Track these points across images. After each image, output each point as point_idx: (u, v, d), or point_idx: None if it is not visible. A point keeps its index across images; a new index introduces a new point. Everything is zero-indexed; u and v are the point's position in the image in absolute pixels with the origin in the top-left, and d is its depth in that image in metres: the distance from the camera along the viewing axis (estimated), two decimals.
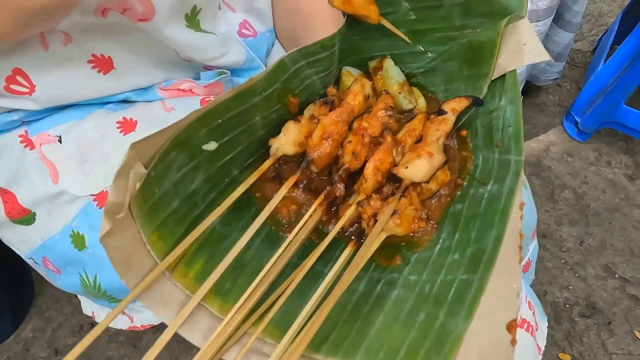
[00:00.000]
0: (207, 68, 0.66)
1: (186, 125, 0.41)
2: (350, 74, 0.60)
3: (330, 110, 0.54)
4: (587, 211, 1.45)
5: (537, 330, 0.63)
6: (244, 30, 0.71)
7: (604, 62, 1.43)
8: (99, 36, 0.55)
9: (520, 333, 0.60)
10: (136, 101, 0.63)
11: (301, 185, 0.54)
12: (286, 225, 0.52)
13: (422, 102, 0.59)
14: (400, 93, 0.58)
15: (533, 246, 0.85)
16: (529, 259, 0.84)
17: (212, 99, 0.55)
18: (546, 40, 1.36)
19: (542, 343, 0.65)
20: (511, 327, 0.40)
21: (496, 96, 0.55)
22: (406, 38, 0.58)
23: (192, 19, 0.60)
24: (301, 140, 0.52)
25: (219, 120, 0.45)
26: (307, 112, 0.54)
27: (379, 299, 0.46)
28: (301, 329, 0.42)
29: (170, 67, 0.63)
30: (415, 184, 0.51)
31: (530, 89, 1.64)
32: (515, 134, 0.51)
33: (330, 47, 0.54)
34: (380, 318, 0.44)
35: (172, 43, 0.57)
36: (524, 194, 0.73)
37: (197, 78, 0.65)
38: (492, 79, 0.55)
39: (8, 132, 0.59)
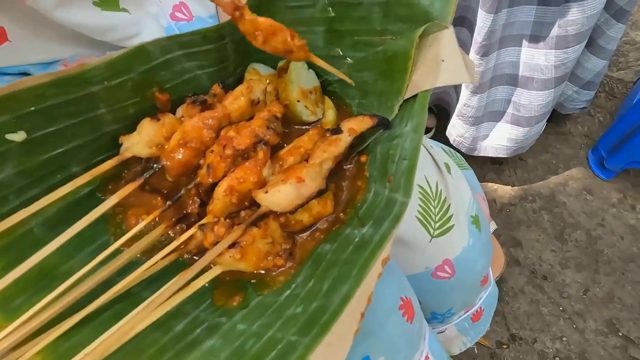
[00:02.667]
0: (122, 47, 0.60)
1: None
2: (256, 72, 0.52)
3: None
4: (598, 257, 1.30)
5: None
6: (177, 13, 0.65)
7: None
8: None
9: None
10: None
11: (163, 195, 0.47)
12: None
13: (330, 115, 0.50)
14: (299, 101, 0.49)
15: (488, 293, 0.75)
16: (480, 307, 0.74)
17: None
18: (575, 65, 1.20)
19: None
20: None
21: (404, 120, 0.45)
22: (347, 79, 0.49)
23: None
24: (160, 141, 0.44)
25: (32, 108, 0.39)
26: (179, 112, 0.47)
27: (189, 346, 0.38)
28: None
29: (81, 43, 0.58)
30: (278, 213, 0.43)
31: (556, 116, 1.48)
32: (408, 170, 0.41)
33: (215, 39, 0.46)
34: None
35: (67, 24, 0.52)
36: (471, 235, 0.63)
37: None
38: (405, 97, 0.46)
39: None
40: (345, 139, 0.45)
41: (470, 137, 1.25)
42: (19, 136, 0.39)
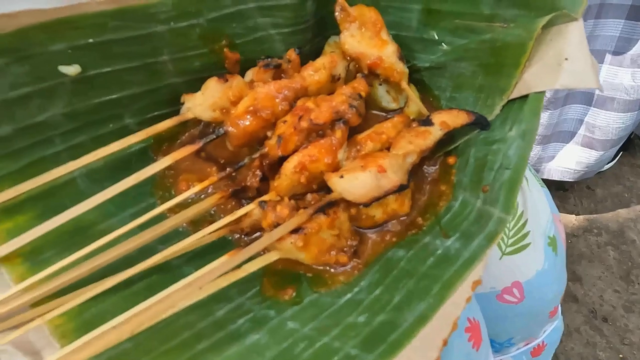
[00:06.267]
0: None
1: (18, 28, 0.31)
2: (338, 45, 0.46)
3: (276, 79, 0.41)
4: None
5: None
6: None
7: None
8: None
9: None
10: None
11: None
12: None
13: (414, 106, 0.44)
14: (381, 84, 0.43)
15: (554, 327, 0.66)
16: (543, 341, 0.66)
17: None
18: None
19: None
20: None
21: (507, 123, 0.39)
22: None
23: None
24: (225, 105, 0.40)
25: (90, 40, 0.34)
26: (249, 75, 0.42)
27: (229, 337, 0.33)
28: None
29: None
30: (350, 203, 0.37)
31: (634, 144, 1.38)
32: (511, 181, 0.35)
33: None
34: None
35: None
36: (547, 259, 0.56)
37: None
38: (510, 97, 0.39)
39: None
40: (435, 133, 0.39)
41: (534, 157, 1.17)
42: (73, 69, 0.35)
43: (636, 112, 1.03)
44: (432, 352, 0.28)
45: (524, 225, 0.52)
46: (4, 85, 0.32)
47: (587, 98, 1.07)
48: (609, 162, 1.33)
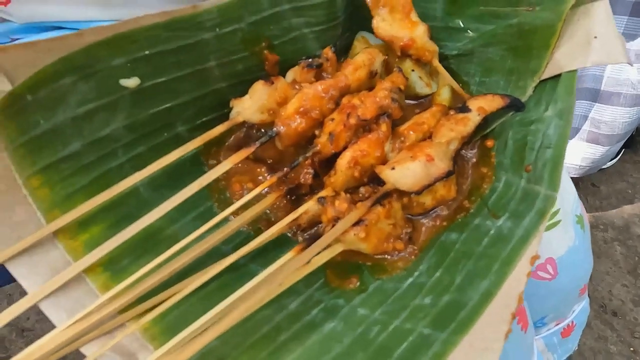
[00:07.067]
0: None
1: (84, 47, 0.32)
2: (366, 41, 0.48)
3: (317, 77, 0.43)
4: None
5: None
6: None
7: None
8: None
9: None
10: None
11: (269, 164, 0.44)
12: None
13: (446, 92, 0.46)
14: (413, 70, 0.45)
15: (581, 307, 0.68)
16: (572, 321, 0.68)
17: None
18: None
19: None
20: None
21: (542, 103, 0.41)
22: None
23: None
24: (272, 107, 0.41)
25: (146, 52, 0.36)
26: (290, 75, 0.44)
27: (307, 327, 0.35)
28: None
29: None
30: (401, 193, 0.39)
31: (636, 141, 1.40)
32: (554, 159, 0.38)
33: None
34: (295, 355, 0.33)
35: None
36: (577, 236, 0.58)
37: None
38: (542, 78, 0.41)
39: None
40: (474, 119, 0.41)
41: None
42: (132, 82, 0.36)
43: None
44: (504, 326, 0.31)
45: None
46: (73, 102, 0.34)
47: (592, 94, 1.08)
48: (611, 159, 1.35)
